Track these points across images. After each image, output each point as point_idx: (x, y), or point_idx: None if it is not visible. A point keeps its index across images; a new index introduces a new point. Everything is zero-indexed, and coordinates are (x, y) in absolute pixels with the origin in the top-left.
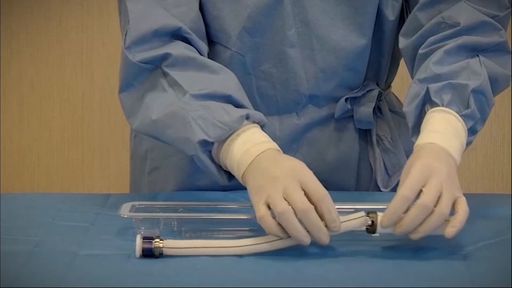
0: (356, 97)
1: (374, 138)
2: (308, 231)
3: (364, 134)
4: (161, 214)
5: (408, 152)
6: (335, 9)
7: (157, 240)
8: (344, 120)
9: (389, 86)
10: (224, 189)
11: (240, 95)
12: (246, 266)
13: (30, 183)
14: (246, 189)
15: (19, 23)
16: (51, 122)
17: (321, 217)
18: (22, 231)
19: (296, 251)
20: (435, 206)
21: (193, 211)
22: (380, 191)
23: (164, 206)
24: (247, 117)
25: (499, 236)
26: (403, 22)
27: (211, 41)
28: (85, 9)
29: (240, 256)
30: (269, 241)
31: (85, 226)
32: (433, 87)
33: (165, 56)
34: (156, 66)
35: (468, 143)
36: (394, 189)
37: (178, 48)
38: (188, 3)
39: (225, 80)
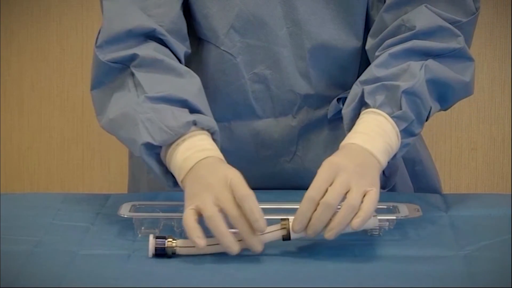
0: None
1: None
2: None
3: None
4: (161, 214)
5: (405, 153)
6: (325, 9)
7: (170, 239)
8: (339, 121)
9: None
10: None
11: (198, 100)
12: (247, 266)
13: (30, 183)
14: (251, 189)
15: (19, 23)
16: (51, 122)
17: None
18: (22, 231)
19: (296, 251)
20: (343, 201)
21: None
22: None
23: (164, 206)
24: (195, 123)
25: (499, 236)
26: None
27: (202, 40)
28: (85, 9)
29: (241, 256)
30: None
31: (85, 226)
32: (367, 88)
33: (133, 57)
34: (126, 66)
35: (405, 145)
36: (391, 189)
37: (147, 50)
38: (168, 4)
39: (187, 84)
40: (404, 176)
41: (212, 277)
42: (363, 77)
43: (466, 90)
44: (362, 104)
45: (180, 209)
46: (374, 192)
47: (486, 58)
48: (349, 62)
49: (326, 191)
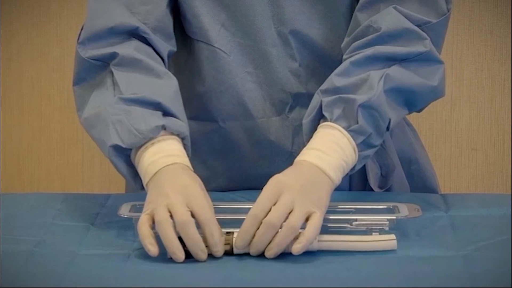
0: None
1: None
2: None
3: None
4: None
5: (400, 152)
6: (312, 9)
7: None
8: None
9: None
10: (223, 189)
11: (172, 103)
12: (247, 266)
13: (30, 183)
14: (247, 188)
15: (19, 23)
16: (51, 122)
17: (205, 240)
18: (22, 231)
19: None
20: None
21: None
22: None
23: None
24: (164, 128)
25: (499, 236)
26: None
27: (194, 40)
28: (85, 9)
29: (241, 256)
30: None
31: (85, 226)
32: (325, 100)
33: (113, 55)
34: (108, 63)
35: (365, 157)
36: (388, 189)
37: (127, 48)
38: (154, 2)
39: (163, 86)
40: (401, 176)
41: (212, 277)
42: (324, 85)
43: (434, 93)
44: (320, 116)
45: None
46: (317, 216)
47: (486, 58)
48: (337, 62)
49: (270, 209)
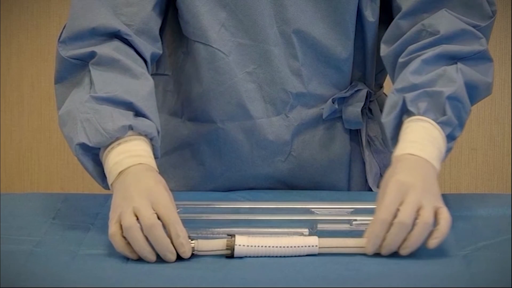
0: (344, 97)
1: (364, 139)
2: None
3: (355, 135)
4: None
5: None
6: (314, 7)
7: (189, 240)
8: (334, 121)
9: (381, 87)
10: (223, 190)
11: (144, 104)
12: (247, 266)
13: (30, 183)
14: (246, 189)
15: (19, 23)
16: (51, 122)
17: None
18: (22, 231)
19: None
20: (417, 219)
21: (193, 211)
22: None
23: None
24: (132, 128)
25: (499, 236)
26: (386, 28)
27: (191, 40)
28: None
29: (241, 256)
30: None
31: (85, 226)
32: (409, 96)
33: (92, 54)
34: (87, 62)
35: (448, 150)
36: None
37: (106, 48)
38: (139, 3)
39: (138, 86)
40: None
41: (212, 276)
42: (398, 85)
43: (488, 90)
44: (403, 112)
45: (179, 209)
46: (446, 210)
47: None
48: (340, 61)
49: (396, 211)
